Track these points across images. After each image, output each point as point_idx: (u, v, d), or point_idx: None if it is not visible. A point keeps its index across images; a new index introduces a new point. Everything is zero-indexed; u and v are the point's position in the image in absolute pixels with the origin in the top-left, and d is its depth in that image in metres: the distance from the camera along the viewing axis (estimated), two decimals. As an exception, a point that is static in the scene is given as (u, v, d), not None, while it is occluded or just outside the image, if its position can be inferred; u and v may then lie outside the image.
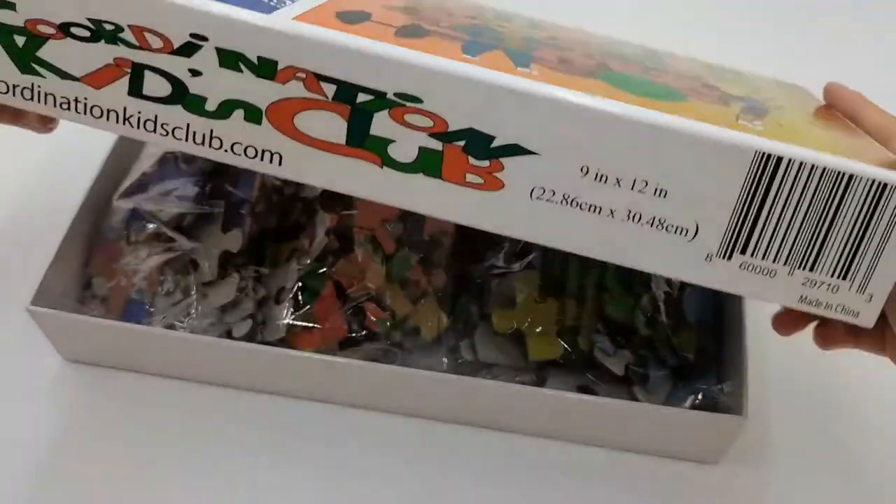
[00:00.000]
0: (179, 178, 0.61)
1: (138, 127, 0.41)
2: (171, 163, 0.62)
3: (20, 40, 0.40)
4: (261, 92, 0.39)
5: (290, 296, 0.59)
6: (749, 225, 0.39)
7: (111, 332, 0.56)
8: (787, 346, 0.59)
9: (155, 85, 0.40)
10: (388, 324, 0.58)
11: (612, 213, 0.39)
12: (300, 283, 0.59)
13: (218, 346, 0.55)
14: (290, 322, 0.57)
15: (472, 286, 0.60)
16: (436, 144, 0.39)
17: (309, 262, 0.59)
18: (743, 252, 0.40)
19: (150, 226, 0.59)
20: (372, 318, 0.58)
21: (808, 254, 0.39)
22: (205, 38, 0.39)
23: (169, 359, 0.57)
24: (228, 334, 0.57)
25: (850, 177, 0.37)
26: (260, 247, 0.61)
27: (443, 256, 0.60)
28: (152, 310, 0.58)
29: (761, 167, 0.38)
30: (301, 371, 0.56)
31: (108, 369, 0.59)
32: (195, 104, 0.40)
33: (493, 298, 0.57)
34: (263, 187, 0.61)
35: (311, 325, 0.58)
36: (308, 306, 0.58)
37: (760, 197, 0.38)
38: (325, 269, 0.59)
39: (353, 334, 0.58)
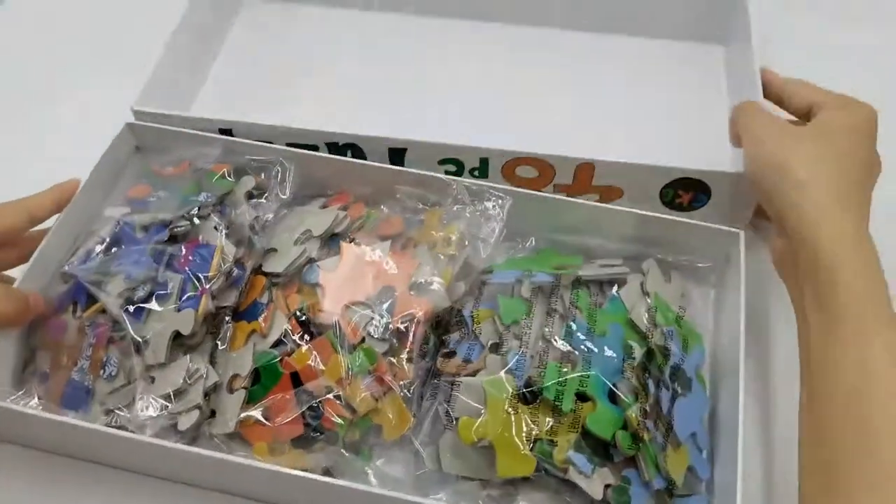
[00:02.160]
0: (134, 247, 0.56)
1: None
2: (126, 231, 0.57)
3: None
4: None
5: (244, 384, 0.54)
6: None
7: (43, 423, 0.51)
8: (788, 468, 0.55)
9: None
10: (346, 422, 0.53)
11: None
12: (255, 371, 0.54)
13: (152, 447, 0.50)
14: (241, 417, 0.53)
15: (441, 383, 0.54)
16: None
17: (267, 347, 0.55)
18: None
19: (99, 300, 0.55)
20: (330, 416, 0.53)
21: None
22: None
23: (103, 452, 0.53)
24: (174, 425, 0.53)
25: None
26: (215, 326, 0.56)
27: (411, 348, 0.55)
28: (90, 399, 0.53)
29: None
30: (241, 475, 0.51)
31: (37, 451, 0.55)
32: None
33: (461, 403, 0.52)
34: (223, 262, 0.56)
35: (264, 420, 0.53)
36: (262, 399, 0.53)
37: None
38: (282, 357, 0.54)
39: (308, 435, 0.53)
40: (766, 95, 0.64)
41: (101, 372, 0.54)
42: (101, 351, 0.54)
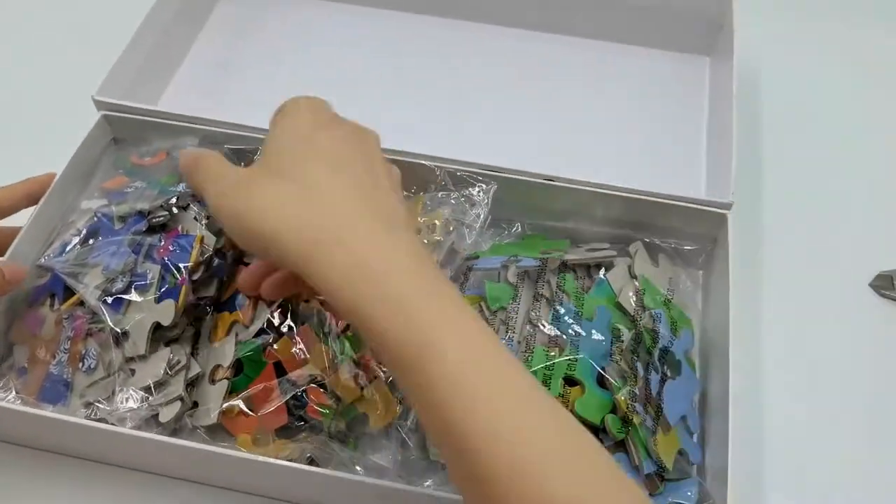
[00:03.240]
0: (112, 237, 0.55)
1: None
2: (104, 222, 0.56)
3: None
4: None
5: (226, 375, 0.53)
6: None
7: (22, 418, 0.50)
8: (778, 450, 0.54)
9: None
10: (331, 412, 0.52)
11: None
12: (238, 361, 0.53)
13: (133, 439, 0.49)
14: (224, 408, 0.52)
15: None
16: None
17: (249, 338, 0.54)
18: None
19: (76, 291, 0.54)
20: (314, 405, 0.52)
21: None
22: None
23: (83, 445, 0.52)
24: (155, 417, 0.52)
25: None
26: (196, 317, 0.55)
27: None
28: (69, 392, 0.52)
29: None
30: (224, 466, 0.50)
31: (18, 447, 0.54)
32: None
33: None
34: (203, 252, 0.55)
35: (247, 410, 0.52)
36: (245, 390, 0.52)
37: None
38: (265, 347, 0.53)
39: (293, 425, 0.52)
40: None
41: (80, 365, 0.52)
42: (79, 344, 0.53)
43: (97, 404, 0.52)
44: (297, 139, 0.43)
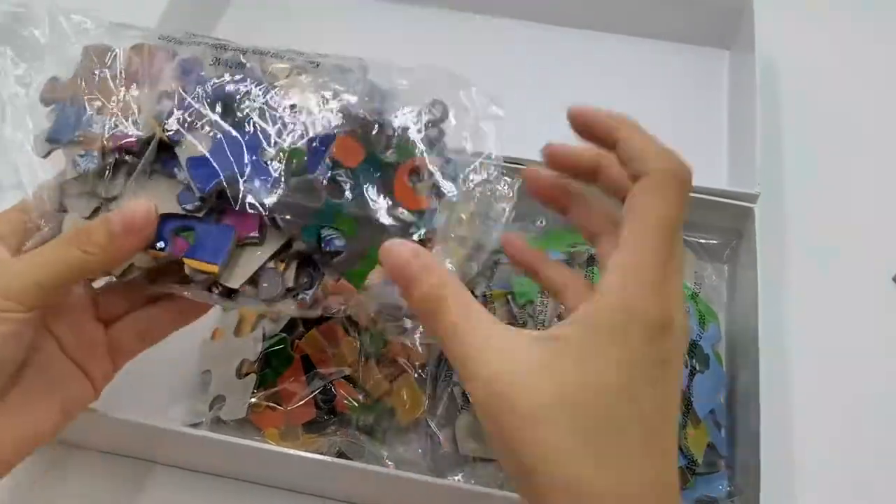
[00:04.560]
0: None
1: None
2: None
3: None
4: None
5: (252, 369, 0.53)
6: None
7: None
8: (807, 443, 0.54)
9: None
10: (359, 406, 0.52)
11: None
12: (265, 356, 0.53)
13: (163, 432, 0.49)
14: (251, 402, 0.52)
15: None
16: None
17: (276, 332, 0.54)
18: None
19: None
20: (343, 399, 0.52)
21: None
22: None
23: (112, 440, 0.52)
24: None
25: None
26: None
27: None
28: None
29: None
30: (255, 460, 0.49)
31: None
32: None
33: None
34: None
35: (274, 405, 0.52)
36: (273, 384, 0.52)
37: None
38: (292, 341, 0.53)
39: (321, 419, 0.52)
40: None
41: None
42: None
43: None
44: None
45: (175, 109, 0.41)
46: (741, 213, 0.58)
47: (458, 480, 0.50)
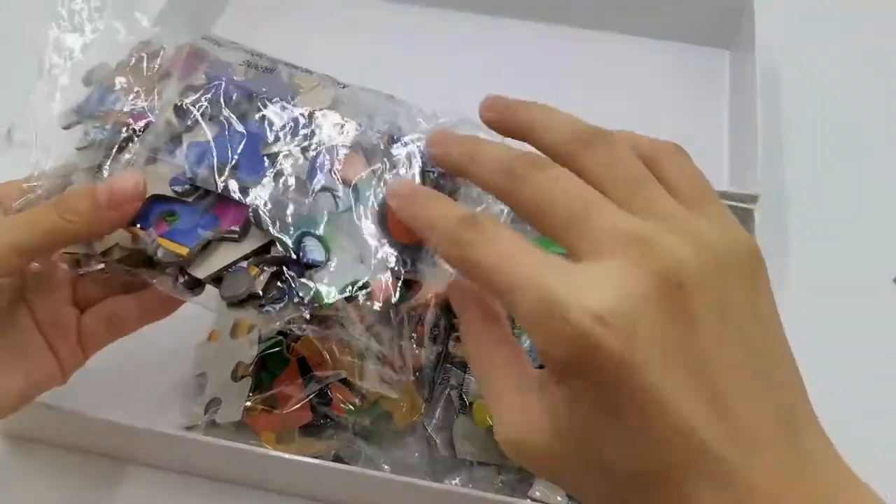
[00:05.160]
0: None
1: None
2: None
3: None
4: None
5: (247, 373, 0.52)
6: None
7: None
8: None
9: None
10: (356, 409, 0.51)
11: None
12: (261, 358, 0.53)
13: (158, 436, 0.48)
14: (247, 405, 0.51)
15: (453, 367, 0.53)
16: None
17: (272, 334, 0.53)
18: None
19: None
20: (339, 403, 0.51)
21: None
22: None
23: (108, 444, 0.51)
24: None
25: None
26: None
27: (422, 332, 0.53)
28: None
29: None
30: (250, 464, 0.49)
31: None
32: None
33: (475, 386, 0.51)
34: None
35: (270, 408, 0.51)
36: (269, 387, 0.52)
37: None
38: (288, 344, 0.53)
39: (317, 423, 0.51)
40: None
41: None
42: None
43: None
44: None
45: (193, 96, 0.42)
46: (741, 214, 0.58)
47: (456, 484, 0.50)
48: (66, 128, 0.43)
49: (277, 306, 0.39)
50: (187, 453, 0.50)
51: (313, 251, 0.39)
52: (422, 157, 0.41)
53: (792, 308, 0.60)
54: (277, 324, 0.40)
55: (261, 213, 0.39)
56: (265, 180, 0.40)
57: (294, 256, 0.38)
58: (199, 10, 0.75)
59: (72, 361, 0.44)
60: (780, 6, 0.75)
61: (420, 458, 0.51)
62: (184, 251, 0.39)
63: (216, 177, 0.40)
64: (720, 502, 0.27)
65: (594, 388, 0.27)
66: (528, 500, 0.49)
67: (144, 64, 0.43)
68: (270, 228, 0.39)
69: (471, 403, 0.50)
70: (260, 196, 0.39)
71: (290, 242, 0.39)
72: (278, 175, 0.40)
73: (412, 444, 0.52)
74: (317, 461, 0.47)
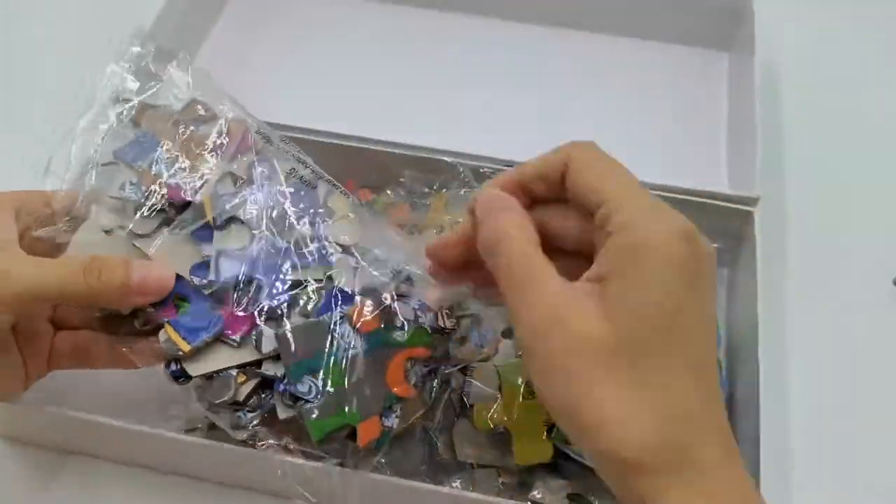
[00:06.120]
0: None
1: None
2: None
3: None
4: None
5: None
6: None
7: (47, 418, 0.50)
8: (807, 449, 0.54)
9: None
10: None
11: None
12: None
13: (158, 438, 0.48)
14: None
15: (453, 370, 0.53)
16: None
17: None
18: None
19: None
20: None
21: None
22: None
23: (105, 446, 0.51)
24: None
25: None
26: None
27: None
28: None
29: None
30: (247, 465, 0.49)
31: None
32: None
33: (475, 389, 0.51)
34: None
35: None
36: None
37: None
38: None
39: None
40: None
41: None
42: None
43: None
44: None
45: (233, 198, 0.44)
46: (741, 216, 0.58)
47: (456, 487, 0.50)
48: (104, 165, 0.45)
49: (251, 416, 0.42)
50: (189, 456, 0.50)
51: (303, 384, 0.42)
52: (416, 315, 0.46)
53: (792, 311, 0.61)
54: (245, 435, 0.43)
55: (264, 338, 0.42)
56: (281, 306, 0.43)
57: (282, 387, 0.42)
58: (197, 11, 0.75)
59: (35, 374, 0.45)
60: (779, 8, 0.75)
61: (421, 461, 0.51)
62: (185, 348, 0.41)
63: (236, 293, 0.43)
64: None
65: None
66: (529, 503, 0.49)
67: (193, 126, 0.46)
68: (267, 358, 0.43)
69: (471, 406, 0.50)
70: (271, 320, 0.43)
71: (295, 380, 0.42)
72: (293, 304, 0.43)
73: (413, 446, 0.52)
74: (318, 465, 0.47)
